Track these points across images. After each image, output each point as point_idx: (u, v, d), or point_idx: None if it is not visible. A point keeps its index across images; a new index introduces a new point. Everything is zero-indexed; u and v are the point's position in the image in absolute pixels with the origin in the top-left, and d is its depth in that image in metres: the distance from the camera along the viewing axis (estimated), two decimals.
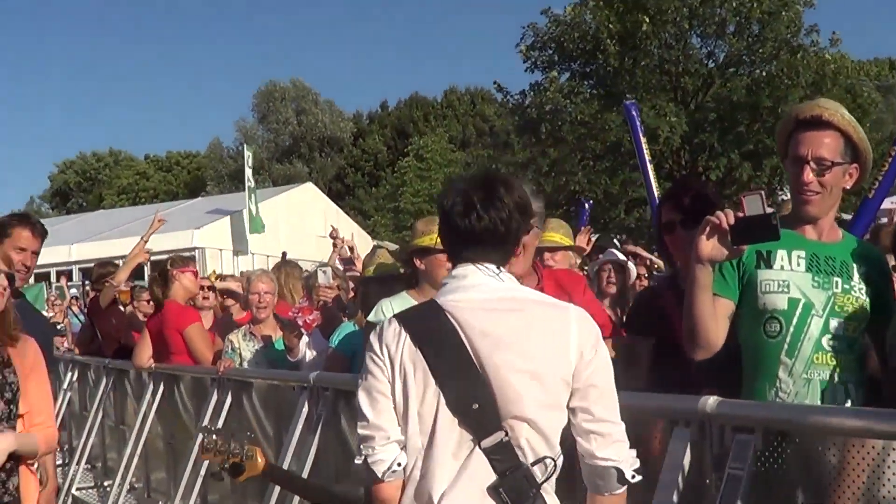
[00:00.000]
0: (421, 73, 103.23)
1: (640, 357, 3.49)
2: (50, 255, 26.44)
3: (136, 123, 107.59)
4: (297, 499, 4.82)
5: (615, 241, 8.72)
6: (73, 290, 17.79)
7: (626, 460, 2.40)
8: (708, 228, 2.77)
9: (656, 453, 2.76)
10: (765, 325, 2.92)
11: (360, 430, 2.47)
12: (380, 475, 2.43)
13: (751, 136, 22.93)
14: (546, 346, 2.41)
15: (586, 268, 7.07)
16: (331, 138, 57.69)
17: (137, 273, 9.74)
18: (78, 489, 8.78)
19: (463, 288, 2.49)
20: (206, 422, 6.03)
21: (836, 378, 2.87)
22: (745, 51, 23.40)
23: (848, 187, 3.02)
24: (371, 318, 4.18)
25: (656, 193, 7.15)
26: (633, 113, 7.78)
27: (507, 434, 2.38)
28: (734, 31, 23.49)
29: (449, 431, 2.39)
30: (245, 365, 5.96)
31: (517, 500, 2.36)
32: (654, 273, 6.82)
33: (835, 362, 2.87)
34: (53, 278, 25.24)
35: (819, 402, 2.83)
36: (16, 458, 3.69)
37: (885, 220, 7.10)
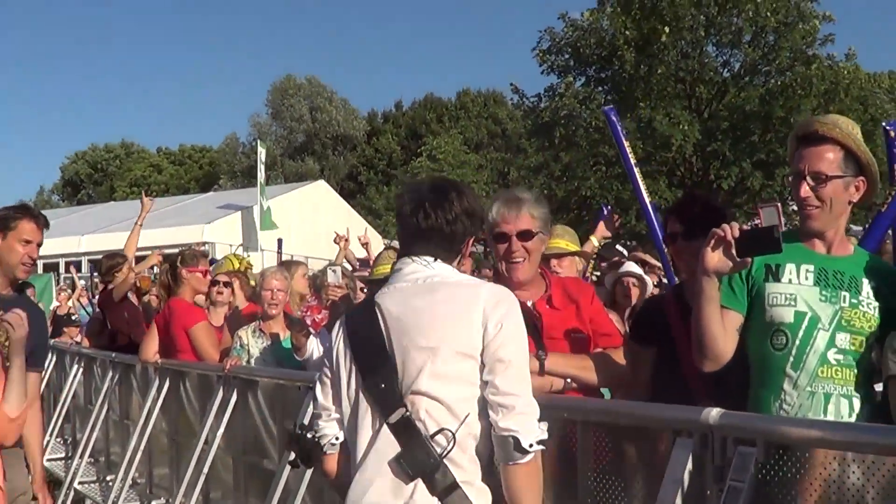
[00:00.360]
0: (435, 74, 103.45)
1: (641, 365, 3.49)
2: (59, 245, 26.59)
3: (149, 116, 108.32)
4: (299, 497, 4.84)
5: (618, 248, 8.64)
6: (82, 282, 17.83)
7: (527, 431, 2.52)
8: (713, 241, 2.79)
9: (658, 463, 2.76)
10: (771, 337, 2.93)
11: (312, 411, 2.83)
12: (324, 448, 2.76)
13: (763, 146, 22.86)
14: (447, 322, 2.59)
15: (597, 272, 7.04)
16: (344, 136, 57.72)
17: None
18: (80, 483, 8.77)
19: (395, 278, 2.74)
20: (210, 419, 6.05)
21: (841, 392, 2.87)
22: (761, 60, 23.35)
23: (855, 200, 3.01)
24: None
25: (647, 199, 7.11)
26: (613, 118, 7.77)
27: (407, 409, 2.58)
28: (750, 40, 23.45)
29: (365, 411, 2.65)
30: (252, 362, 5.98)
31: (419, 472, 2.55)
32: (662, 282, 6.78)
33: (840, 376, 2.87)
34: (62, 269, 25.34)
35: (823, 416, 2.83)
36: None
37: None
